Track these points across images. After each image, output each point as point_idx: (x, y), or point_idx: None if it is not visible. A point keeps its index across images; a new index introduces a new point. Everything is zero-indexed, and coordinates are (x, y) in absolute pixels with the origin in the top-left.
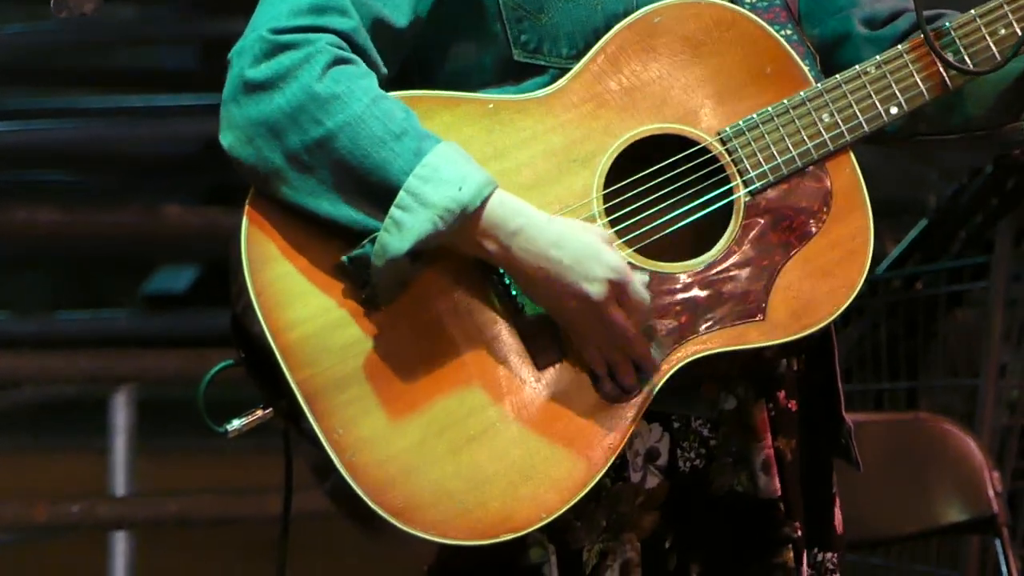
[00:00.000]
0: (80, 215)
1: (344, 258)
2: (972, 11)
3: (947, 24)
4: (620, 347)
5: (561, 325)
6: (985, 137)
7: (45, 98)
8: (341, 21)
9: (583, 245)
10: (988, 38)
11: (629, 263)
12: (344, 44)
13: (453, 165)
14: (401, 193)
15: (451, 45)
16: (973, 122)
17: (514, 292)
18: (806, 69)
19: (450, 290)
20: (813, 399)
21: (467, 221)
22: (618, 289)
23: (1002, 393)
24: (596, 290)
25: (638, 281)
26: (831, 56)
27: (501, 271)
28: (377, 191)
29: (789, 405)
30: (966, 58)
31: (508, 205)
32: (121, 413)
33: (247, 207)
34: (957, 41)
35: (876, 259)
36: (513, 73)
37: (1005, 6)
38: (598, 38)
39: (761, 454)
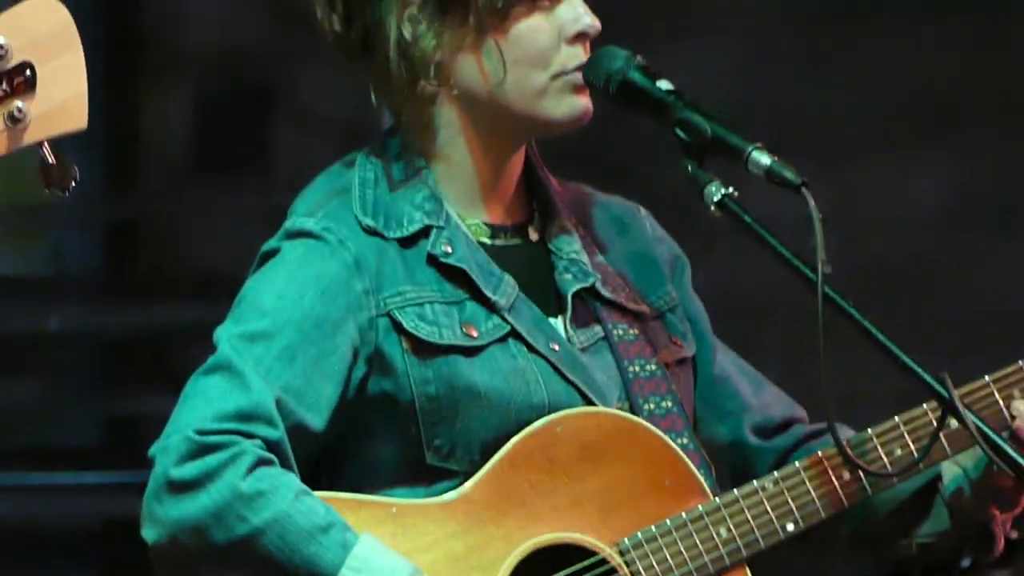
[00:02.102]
0: None
1: None
2: (868, 429)
3: (848, 440)
4: None
5: None
6: (872, 550)
7: None
8: (268, 431)
9: None
10: (884, 457)
11: None
12: (268, 452)
13: (382, 556)
14: None
15: (363, 444)
16: (862, 534)
17: None
18: (703, 481)
19: None
20: None
21: None
22: None
23: None
24: None
25: None
26: (722, 459)
27: None
28: None
29: None
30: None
31: None
32: None
33: None
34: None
35: None
36: (424, 475)
37: (901, 426)
38: None
39: None
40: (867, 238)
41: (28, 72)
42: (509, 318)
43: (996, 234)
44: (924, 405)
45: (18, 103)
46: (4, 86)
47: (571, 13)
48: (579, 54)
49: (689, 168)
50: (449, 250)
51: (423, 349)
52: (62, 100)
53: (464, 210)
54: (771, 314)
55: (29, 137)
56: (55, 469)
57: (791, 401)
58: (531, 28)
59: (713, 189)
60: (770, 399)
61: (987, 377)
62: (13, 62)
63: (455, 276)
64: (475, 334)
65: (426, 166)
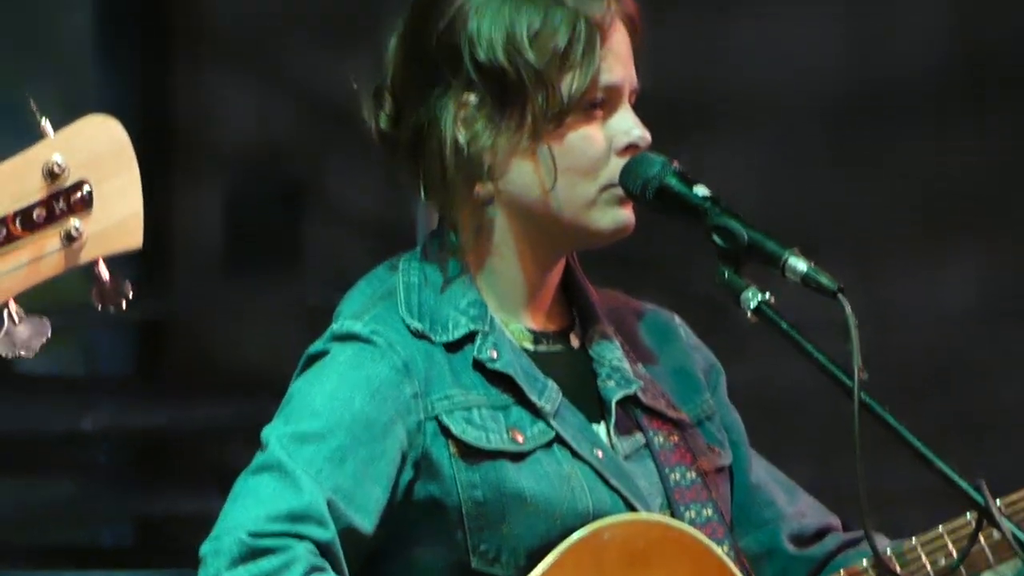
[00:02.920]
0: None
1: None
2: (913, 538)
3: (888, 549)
4: None
5: None
6: None
7: None
8: (320, 532)
9: None
10: (928, 566)
11: None
12: (319, 554)
13: None
14: None
15: (408, 547)
16: None
17: None
18: None
19: None
20: None
21: None
22: None
23: None
24: None
25: None
26: (759, 567)
27: None
28: None
29: None
30: None
31: None
32: None
33: None
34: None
35: None
36: None
37: (945, 535)
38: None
39: None
40: (900, 336)
41: (85, 190)
42: (554, 424)
43: None
44: (968, 514)
45: (75, 222)
46: (61, 204)
47: (623, 125)
48: None
49: (726, 274)
50: (495, 355)
51: (470, 453)
52: (118, 219)
53: (507, 315)
54: (802, 416)
55: (85, 256)
56: (89, 568)
57: (825, 509)
58: (585, 137)
59: (750, 295)
60: (805, 507)
61: None
62: (70, 180)
63: (501, 381)
64: (521, 439)
65: (471, 270)
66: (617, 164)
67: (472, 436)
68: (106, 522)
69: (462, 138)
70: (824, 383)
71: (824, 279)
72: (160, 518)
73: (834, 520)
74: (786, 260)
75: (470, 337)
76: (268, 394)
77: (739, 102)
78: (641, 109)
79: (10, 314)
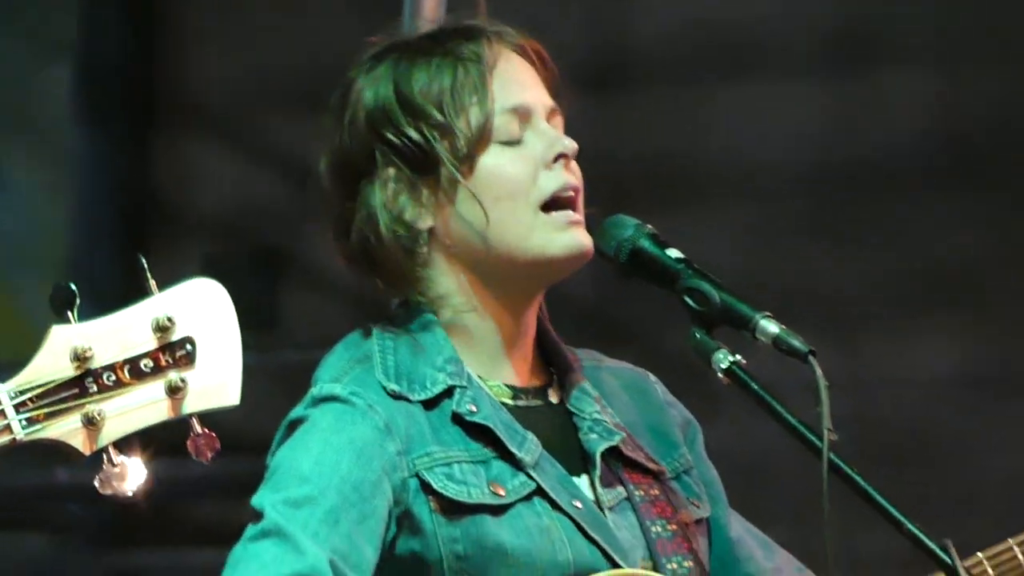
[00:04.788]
0: None
1: None
2: None
3: None
4: None
5: None
6: None
7: None
8: None
9: None
10: None
11: None
12: None
13: None
14: None
15: None
16: None
17: None
18: None
19: None
20: None
21: None
22: None
23: None
24: None
25: None
26: None
27: None
28: None
29: None
30: None
31: None
32: None
33: None
34: None
35: None
36: None
37: None
38: None
39: None
40: (875, 403)
41: (189, 347)
42: (534, 475)
43: (1003, 401)
44: None
45: (179, 375)
46: (167, 357)
47: (543, 140)
48: (560, 175)
49: (697, 335)
50: (474, 409)
51: (451, 509)
52: (218, 377)
53: (485, 372)
54: (776, 476)
55: (187, 408)
56: None
57: (800, 565)
58: (501, 164)
59: (721, 356)
60: (781, 563)
61: (1011, 540)
62: (177, 336)
63: (480, 435)
64: (502, 492)
65: (443, 331)
66: (547, 176)
67: (453, 491)
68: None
69: (395, 212)
70: (798, 444)
71: (795, 341)
72: (131, 572)
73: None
74: (757, 322)
75: (448, 393)
76: (244, 453)
77: (719, 173)
78: (621, 178)
79: (109, 456)
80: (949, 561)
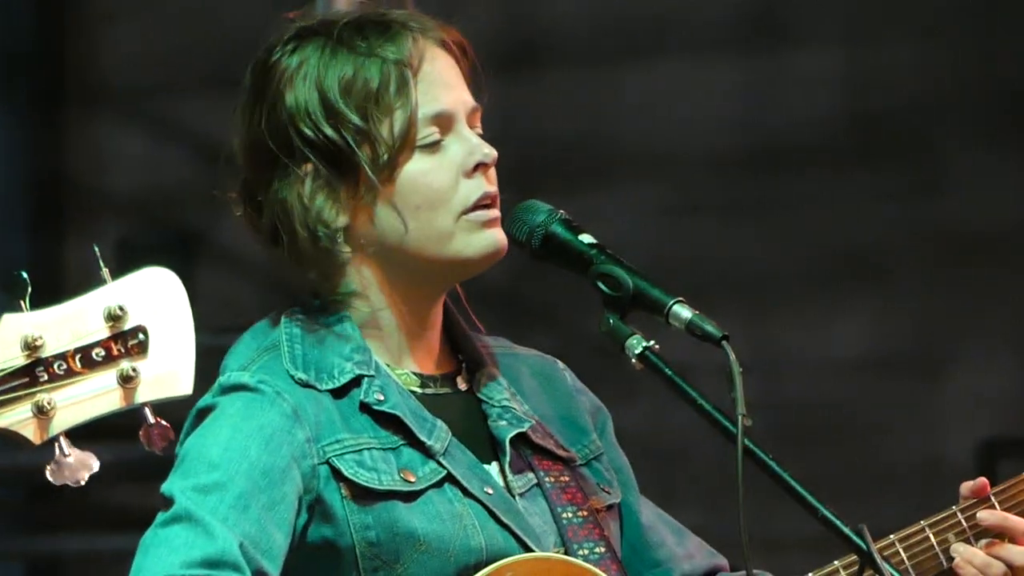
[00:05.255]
0: None
1: None
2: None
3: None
4: None
5: None
6: None
7: None
8: None
9: None
10: None
11: None
12: None
13: None
14: None
15: None
16: None
17: None
18: None
19: None
20: None
21: None
22: None
23: None
24: None
25: None
26: None
27: None
28: None
29: None
30: None
31: None
32: None
33: None
34: None
35: None
36: None
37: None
38: None
39: None
40: (790, 386)
41: (141, 336)
42: (444, 462)
43: (918, 381)
44: (836, 562)
45: (131, 364)
46: (120, 346)
47: (464, 147)
48: (481, 185)
49: (611, 321)
50: (381, 398)
51: (362, 495)
52: (171, 367)
53: (392, 361)
54: (691, 460)
55: (139, 397)
56: None
57: (712, 550)
58: (423, 172)
59: (634, 342)
60: (693, 548)
61: (923, 522)
62: (129, 325)
63: (389, 423)
64: (413, 479)
65: (352, 320)
66: (468, 186)
67: (364, 477)
68: None
69: (309, 214)
70: (712, 429)
71: (709, 327)
72: (47, 556)
73: (721, 561)
74: (670, 307)
75: (356, 382)
76: None
77: (631, 154)
78: (533, 161)
79: (60, 446)
80: (864, 546)
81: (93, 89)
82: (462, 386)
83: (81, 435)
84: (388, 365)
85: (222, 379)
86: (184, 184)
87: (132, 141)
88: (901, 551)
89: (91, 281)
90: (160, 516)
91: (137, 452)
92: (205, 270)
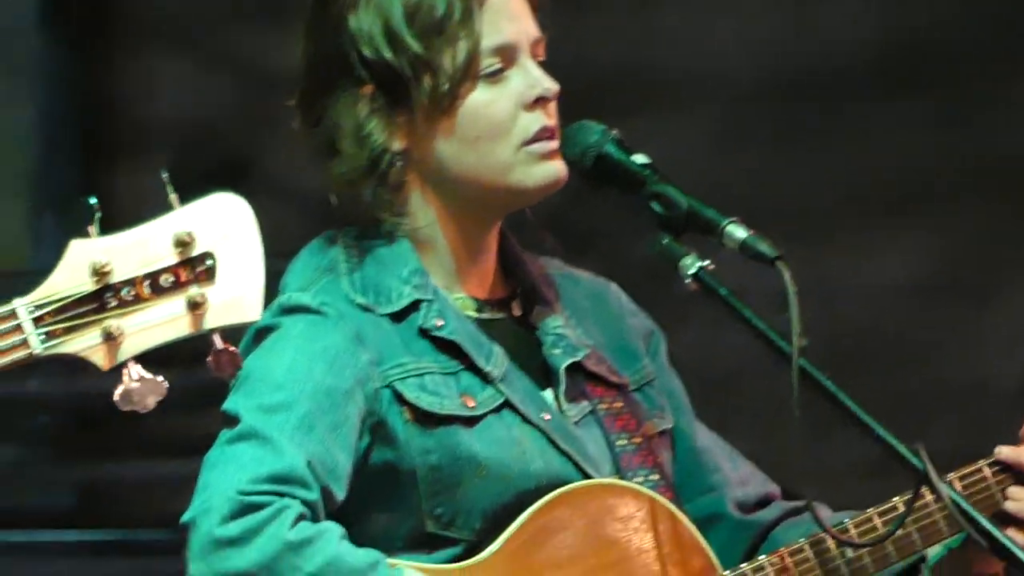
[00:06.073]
0: None
1: None
2: (845, 519)
3: (845, 521)
4: None
5: None
6: None
7: None
8: (305, 492)
9: None
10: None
11: None
12: (308, 512)
13: None
14: None
15: (364, 512)
16: None
17: None
18: (711, 553)
19: None
20: None
21: None
22: None
23: None
24: None
25: None
26: (702, 532)
27: None
28: None
29: None
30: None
31: None
32: None
33: None
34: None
35: None
36: (425, 543)
37: (875, 518)
38: (508, 513)
39: None
40: (841, 310)
41: (209, 262)
42: (502, 388)
43: (969, 306)
44: (895, 499)
45: (199, 290)
46: (188, 273)
47: (526, 80)
48: (540, 118)
49: (664, 241)
50: (440, 323)
51: (424, 419)
52: (239, 293)
53: (449, 285)
54: (744, 385)
55: (207, 323)
56: (33, 528)
57: (765, 477)
58: (484, 104)
59: (688, 262)
60: (747, 475)
61: (981, 462)
62: (197, 251)
63: (448, 348)
64: (472, 404)
65: (408, 243)
66: (528, 119)
67: (426, 402)
68: (49, 485)
69: (364, 134)
70: (765, 353)
71: (764, 246)
72: (102, 482)
73: (774, 488)
74: (724, 227)
75: (414, 306)
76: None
77: (675, 84)
78: (577, 92)
79: (129, 372)
80: (921, 466)
81: (143, 19)
82: (516, 312)
83: (142, 353)
84: (445, 288)
85: (282, 299)
86: (234, 111)
87: (182, 68)
88: (960, 488)
89: (143, 207)
90: (224, 434)
91: (186, 378)
92: (255, 197)
